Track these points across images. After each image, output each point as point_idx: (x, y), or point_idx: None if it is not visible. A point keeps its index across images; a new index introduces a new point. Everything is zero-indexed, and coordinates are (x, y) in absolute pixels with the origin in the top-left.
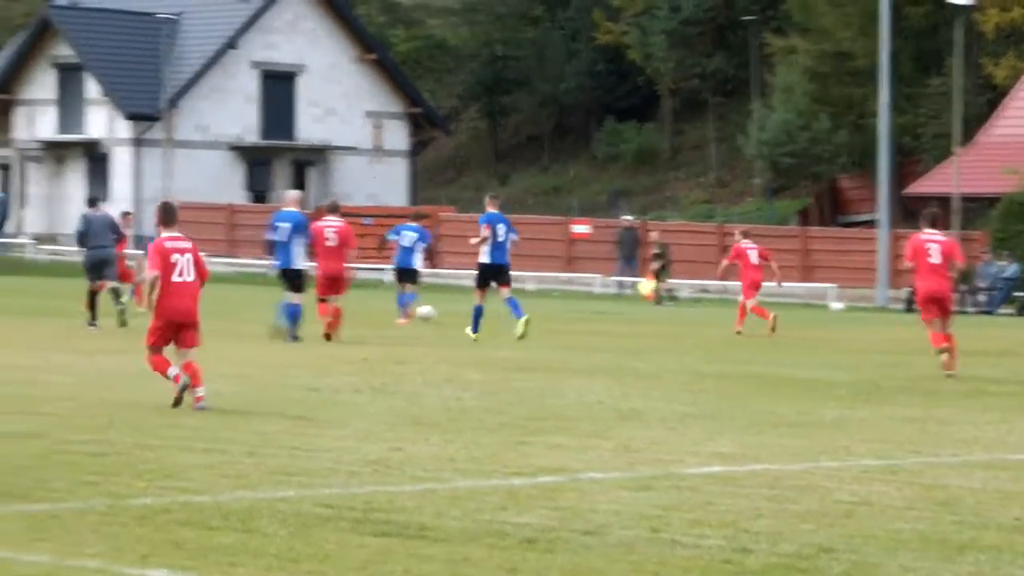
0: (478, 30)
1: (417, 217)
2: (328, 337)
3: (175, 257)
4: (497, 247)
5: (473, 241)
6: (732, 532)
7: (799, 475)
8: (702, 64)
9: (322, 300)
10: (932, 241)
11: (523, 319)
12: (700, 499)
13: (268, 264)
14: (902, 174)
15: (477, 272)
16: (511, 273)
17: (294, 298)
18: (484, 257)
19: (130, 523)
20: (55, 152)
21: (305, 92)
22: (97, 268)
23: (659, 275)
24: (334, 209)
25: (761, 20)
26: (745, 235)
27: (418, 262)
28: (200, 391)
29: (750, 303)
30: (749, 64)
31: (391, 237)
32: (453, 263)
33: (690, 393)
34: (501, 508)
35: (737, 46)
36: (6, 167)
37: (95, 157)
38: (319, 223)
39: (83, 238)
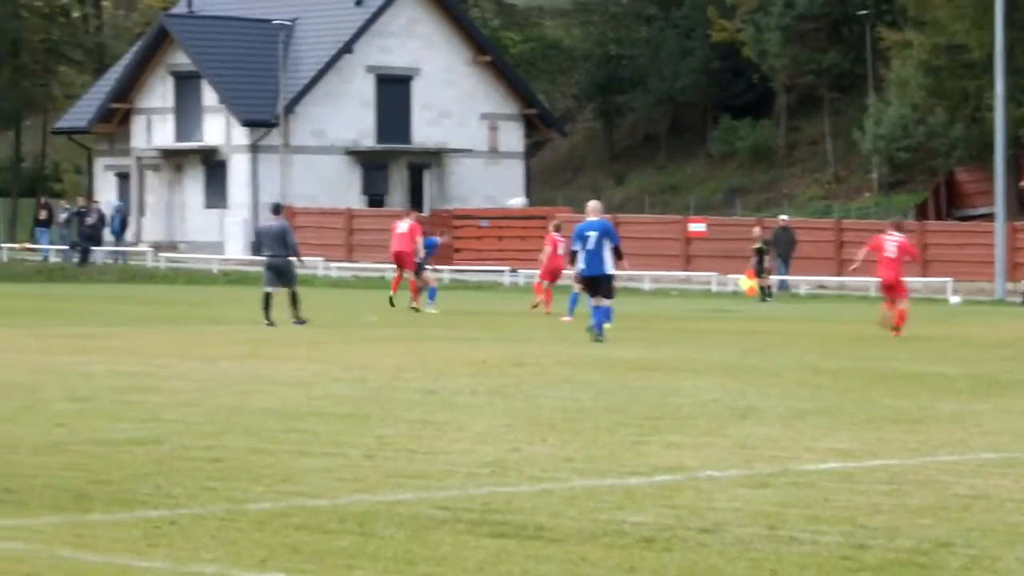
0: (592, 30)
1: None
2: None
3: None
4: None
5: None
6: (849, 528)
7: (916, 470)
8: (817, 60)
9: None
10: (890, 240)
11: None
12: (817, 495)
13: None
14: (1019, 167)
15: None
16: None
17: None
18: None
19: (247, 528)
20: (173, 160)
21: (420, 95)
22: (272, 275)
23: (761, 272)
24: (898, 227)
25: (875, 14)
26: (557, 228)
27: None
28: None
29: (545, 284)
30: (864, 59)
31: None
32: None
33: (808, 389)
34: (618, 507)
35: (852, 41)
36: (125, 175)
37: (212, 164)
38: (880, 236)
39: (256, 248)
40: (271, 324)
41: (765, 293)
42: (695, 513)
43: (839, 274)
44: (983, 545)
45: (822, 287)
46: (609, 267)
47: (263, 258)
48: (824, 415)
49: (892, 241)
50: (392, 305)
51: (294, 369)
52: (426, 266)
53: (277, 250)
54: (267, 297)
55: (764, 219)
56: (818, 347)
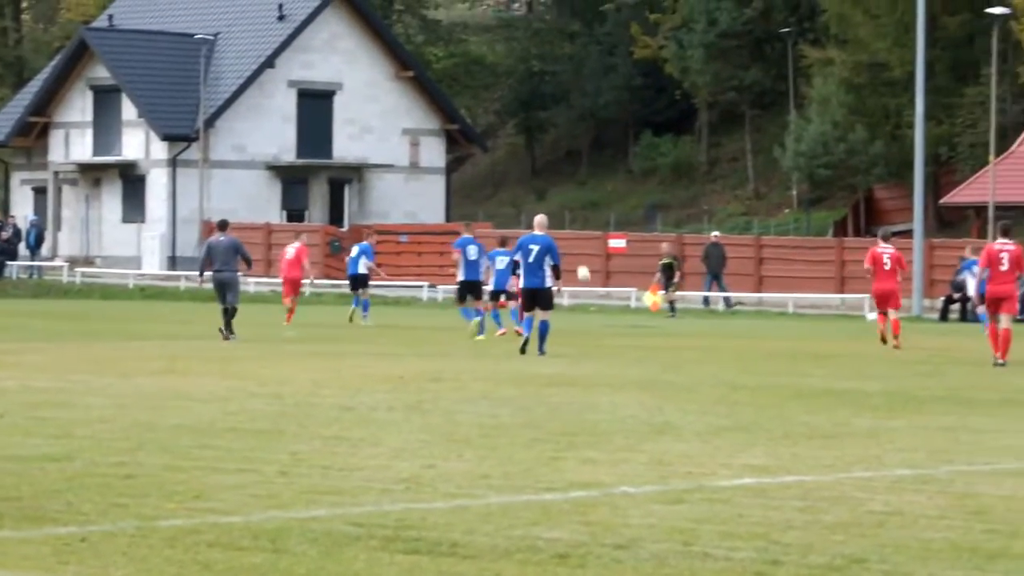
0: (515, 46)
1: (504, 242)
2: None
3: None
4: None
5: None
6: (763, 544)
7: (831, 486)
8: (739, 77)
9: (883, 313)
10: (886, 253)
11: (475, 320)
12: (732, 511)
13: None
14: (938, 184)
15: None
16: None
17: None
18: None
19: (158, 545)
20: (90, 174)
21: (342, 110)
22: (221, 288)
23: (667, 287)
24: (887, 238)
25: (797, 32)
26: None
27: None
28: None
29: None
30: (786, 76)
31: (489, 264)
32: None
33: (725, 405)
34: (533, 524)
35: (774, 58)
36: (42, 190)
37: (131, 179)
38: (876, 248)
39: (204, 263)
40: (232, 337)
41: (671, 308)
42: (610, 529)
43: (757, 290)
44: (896, 561)
45: (740, 303)
46: (548, 281)
47: (210, 273)
48: (740, 431)
49: (887, 254)
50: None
51: (210, 385)
52: (370, 281)
53: (226, 264)
54: (226, 312)
55: (684, 235)
56: (736, 363)
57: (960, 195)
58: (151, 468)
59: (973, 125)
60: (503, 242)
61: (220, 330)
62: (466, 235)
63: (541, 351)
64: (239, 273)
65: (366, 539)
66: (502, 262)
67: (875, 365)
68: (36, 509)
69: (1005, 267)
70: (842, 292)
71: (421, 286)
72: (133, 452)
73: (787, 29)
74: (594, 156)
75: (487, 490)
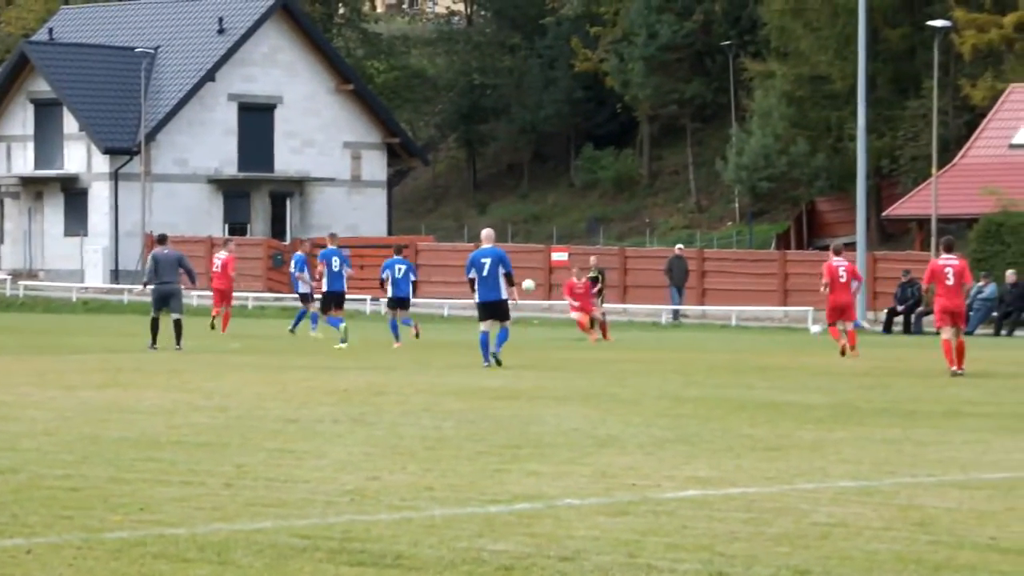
0: (455, 59)
1: (399, 250)
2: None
3: None
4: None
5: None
6: (708, 556)
7: (775, 497)
8: (680, 90)
9: (832, 325)
10: (842, 266)
11: (342, 326)
12: (676, 523)
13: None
14: (880, 196)
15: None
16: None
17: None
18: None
19: (104, 557)
20: (32, 187)
21: (283, 124)
22: (163, 301)
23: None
24: (839, 252)
25: (739, 45)
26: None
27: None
28: None
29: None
30: (727, 89)
31: (385, 274)
32: (433, 292)
33: (668, 418)
34: (478, 536)
35: (715, 71)
36: None
37: (73, 192)
38: (831, 262)
39: (151, 275)
40: (155, 348)
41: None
42: (554, 541)
43: (701, 303)
44: (840, 573)
45: (683, 315)
46: (504, 292)
47: (154, 285)
48: (684, 443)
49: (842, 267)
50: (213, 328)
51: (154, 397)
52: (314, 295)
53: (171, 277)
54: (155, 322)
55: (625, 248)
56: (679, 376)
57: (902, 208)
58: (96, 480)
59: (915, 138)
60: (399, 250)
61: (153, 342)
62: (331, 246)
63: (497, 360)
64: (182, 287)
65: (311, 551)
66: (400, 271)
67: (818, 377)
68: None
69: (951, 281)
70: (785, 305)
71: (364, 299)
72: (78, 464)
73: (728, 42)
74: (535, 169)
75: (431, 502)
